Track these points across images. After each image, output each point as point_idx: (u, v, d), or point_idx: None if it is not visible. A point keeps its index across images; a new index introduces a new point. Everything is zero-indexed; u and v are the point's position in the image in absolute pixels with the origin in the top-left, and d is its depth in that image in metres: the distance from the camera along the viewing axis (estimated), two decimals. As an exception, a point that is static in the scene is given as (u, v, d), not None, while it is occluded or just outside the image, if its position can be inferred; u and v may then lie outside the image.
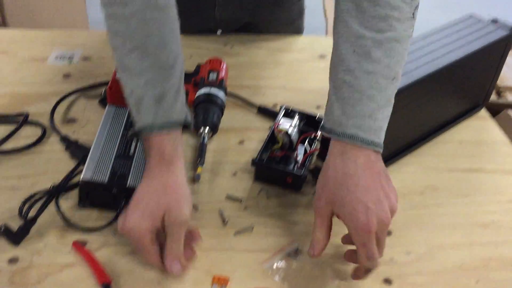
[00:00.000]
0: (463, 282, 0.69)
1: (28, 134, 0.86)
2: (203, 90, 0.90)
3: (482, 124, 0.97)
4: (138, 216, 0.64)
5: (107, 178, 0.71)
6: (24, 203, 0.71)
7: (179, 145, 0.68)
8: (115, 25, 0.66)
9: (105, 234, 0.71)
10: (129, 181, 0.72)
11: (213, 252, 0.71)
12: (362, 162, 0.62)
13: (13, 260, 0.67)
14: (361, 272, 0.65)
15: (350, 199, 0.61)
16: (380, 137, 0.65)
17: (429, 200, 0.81)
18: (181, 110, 0.69)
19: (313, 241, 0.65)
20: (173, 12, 0.69)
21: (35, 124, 0.87)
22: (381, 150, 0.65)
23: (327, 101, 0.68)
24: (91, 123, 0.88)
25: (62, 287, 0.65)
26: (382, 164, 0.65)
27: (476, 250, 0.74)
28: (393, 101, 0.66)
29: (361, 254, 0.62)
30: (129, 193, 0.71)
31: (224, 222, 0.75)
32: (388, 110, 0.66)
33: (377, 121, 0.64)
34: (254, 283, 0.67)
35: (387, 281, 0.69)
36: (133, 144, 0.78)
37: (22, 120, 0.86)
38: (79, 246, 0.69)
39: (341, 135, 0.63)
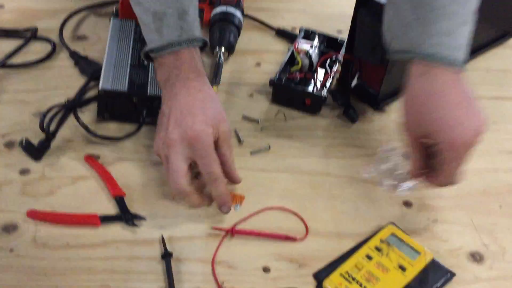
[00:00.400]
0: (486, 207, 0.67)
1: (37, 50, 0.83)
2: (219, 9, 0.86)
3: (511, 52, 0.92)
4: (202, 121, 0.59)
5: (126, 87, 0.69)
6: (43, 116, 0.67)
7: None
8: None
9: (119, 149, 0.70)
10: (149, 90, 0.69)
11: (229, 170, 0.69)
12: (447, 80, 0.58)
13: (24, 171, 0.66)
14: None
15: (439, 116, 0.57)
16: (463, 55, 0.59)
17: (453, 126, 0.78)
18: (200, 27, 0.65)
19: (411, 164, 0.62)
20: None
21: (44, 39, 0.84)
22: (464, 69, 0.60)
23: (393, 23, 0.62)
24: (102, 41, 0.85)
25: (75, 199, 0.63)
26: (467, 84, 0.60)
27: (500, 176, 0.71)
28: (474, 17, 0.60)
29: (446, 172, 0.58)
30: (150, 102, 0.68)
31: (240, 141, 0.73)
32: (470, 26, 0.60)
33: (459, 38, 0.59)
34: (269, 203, 0.65)
35: (407, 203, 0.67)
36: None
37: (30, 34, 0.83)
38: (91, 159, 0.67)
39: (422, 55, 0.58)
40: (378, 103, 0.78)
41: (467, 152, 0.58)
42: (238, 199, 0.65)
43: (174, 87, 0.62)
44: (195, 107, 0.60)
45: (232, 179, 0.64)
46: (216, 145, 0.61)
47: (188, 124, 0.59)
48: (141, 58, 0.73)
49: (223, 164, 0.61)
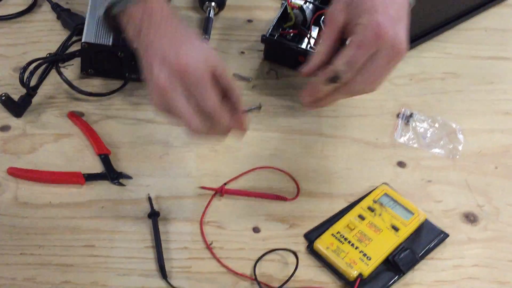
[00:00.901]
0: (481, 167, 0.66)
1: (17, 2, 0.79)
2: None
3: (509, 11, 0.89)
4: (187, 50, 0.51)
5: (111, 41, 0.65)
6: (23, 70, 0.64)
7: None
8: None
9: (104, 106, 0.67)
10: None
11: (218, 129, 0.66)
12: None
13: (4, 128, 0.63)
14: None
15: (372, 4, 0.52)
16: None
17: (449, 86, 0.75)
18: None
19: (312, 55, 0.55)
20: None
21: (25, -9, 0.80)
22: None
23: None
24: (86, -6, 0.81)
25: (58, 157, 0.61)
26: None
27: (496, 136, 0.69)
28: None
29: (367, 71, 0.52)
30: (136, 57, 0.65)
31: (230, 99, 0.70)
32: None
33: None
34: (260, 163, 0.63)
35: (401, 164, 0.65)
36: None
37: (10, -15, 0.79)
38: (75, 116, 0.65)
39: None
40: (373, 61, 0.76)
41: (387, 45, 0.52)
42: None
43: (148, 35, 0.54)
44: (176, 42, 0.53)
45: (237, 122, 0.54)
46: (214, 80, 0.52)
47: (172, 58, 0.51)
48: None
49: (229, 99, 0.53)
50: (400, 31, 0.52)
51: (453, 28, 0.84)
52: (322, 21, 0.77)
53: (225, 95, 0.53)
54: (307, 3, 0.76)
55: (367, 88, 0.54)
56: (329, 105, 0.58)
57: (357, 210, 0.58)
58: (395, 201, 0.59)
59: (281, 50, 0.74)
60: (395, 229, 0.57)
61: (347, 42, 0.53)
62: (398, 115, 0.70)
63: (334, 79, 0.52)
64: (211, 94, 0.50)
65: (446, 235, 0.58)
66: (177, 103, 0.51)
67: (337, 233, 0.56)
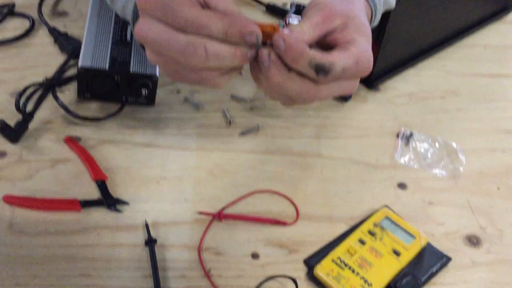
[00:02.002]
0: (483, 188, 0.65)
1: (15, 26, 0.79)
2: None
3: (509, 28, 0.89)
4: None
5: (107, 65, 0.65)
6: (19, 96, 0.64)
7: None
8: None
9: (101, 130, 0.66)
10: (132, 67, 0.65)
11: (217, 152, 0.66)
12: (362, 5, 0.55)
13: (0, 154, 0.63)
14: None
15: (360, 22, 0.51)
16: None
17: (449, 105, 0.75)
18: None
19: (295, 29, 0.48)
20: None
21: (22, 15, 0.80)
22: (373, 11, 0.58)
23: None
24: (83, 17, 0.80)
25: (54, 183, 0.60)
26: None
27: (498, 156, 0.69)
28: None
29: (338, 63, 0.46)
30: (133, 81, 0.65)
31: (228, 122, 0.69)
32: None
33: None
34: (258, 185, 0.63)
35: (402, 185, 0.64)
36: (129, 29, 0.71)
37: (7, 10, 0.79)
38: (72, 141, 0.64)
39: None
40: (372, 81, 0.75)
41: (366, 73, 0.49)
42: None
43: None
44: None
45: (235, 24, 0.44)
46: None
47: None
48: (124, 33, 0.70)
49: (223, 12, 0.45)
50: (370, 54, 0.51)
51: (452, 45, 0.84)
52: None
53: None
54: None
55: (326, 97, 0.49)
56: (270, 92, 0.49)
57: (357, 234, 0.57)
58: (396, 224, 0.58)
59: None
60: (397, 253, 0.56)
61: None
62: (398, 135, 0.70)
63: (321, 70, 0.46)
64: (181, 7, 0.44)
65: (449, 259, 0.57)
66: (155, 35, 0.44)
67: (337, 258, 0.55)
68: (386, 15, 0.67)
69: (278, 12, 0.86)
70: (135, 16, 0.57)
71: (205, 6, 0.47)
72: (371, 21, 0.58)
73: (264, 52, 0.46)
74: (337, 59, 0.46)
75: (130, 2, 0.57)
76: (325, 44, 0.50)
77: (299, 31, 0.47)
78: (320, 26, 0.49)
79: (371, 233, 0.57)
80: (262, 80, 0.48)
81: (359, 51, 0.48)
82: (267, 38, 0.46)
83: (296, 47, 0.45)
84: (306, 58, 0.45)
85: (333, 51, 0.48)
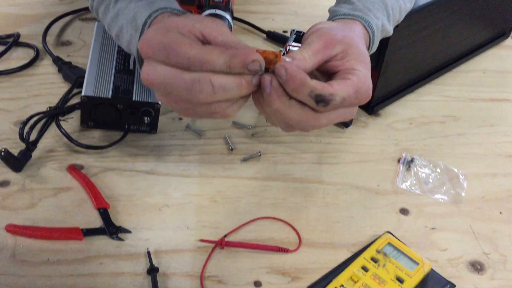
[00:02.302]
0: (486, 213, 0.64)
1: (20, 56, 0.80)
2: (208, 12, 0.83)
3: (508, 53, 0.90)
4: (152, 29, 0.48)
5: (110, 93, 0.66)
6: (23, 125, 0.65)
7: None
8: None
9: (104, 158, 0.67)
10: (135, 96, 0.66)
11: (218, 179, 0.66)
12: (362, 33, 0.56)
13: (4, 184, 0.63)
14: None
15: (359, 51, 0.52)
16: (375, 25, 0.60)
17: (450, 130, 0.75)
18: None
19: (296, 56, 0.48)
20: None
21: (27, 45, 0.81)
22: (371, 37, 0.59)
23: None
24: (87, 47, 0.82)
25: (56, 212, 0.61)
26: None
27: (499, 180, 0.69)
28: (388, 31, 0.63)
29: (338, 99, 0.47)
30: (135, 109, 0.66)
31: (230, 148, 0.70)
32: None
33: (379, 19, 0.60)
34: (261, 212, 0.63)
35: (404, 210, 0.64)
36: (132, 58, 0.72)
37: (12, 40, 0.80)
38: (74, 170, 0.65)
39: (362, 19, 0.57)
40: (372, 107, 0.76)
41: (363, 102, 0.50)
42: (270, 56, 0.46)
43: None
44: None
45: (237, 56, 0.45)
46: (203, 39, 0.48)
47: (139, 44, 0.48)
48: (127, 62, 0.71)
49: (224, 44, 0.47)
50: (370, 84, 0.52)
51: (451, 70, 0.85)
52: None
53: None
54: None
55: (325, 124, 0.50)
56: (269, 108, 0.48)
57: (360, 261, 0.57)
58: (399, 250, 0.58)
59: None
60: (400, 280, 0.55)
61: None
62: (399, 160, 0.70)
63: (321, 100, 0.46)
64: (183, 47, 0.45)
65: (453, 286, 0.56)
66: (161, 78, 0.46)
67: (340, 286, 0.55)
68: (385, 41, 0.68)
69: (279, 40, 0.87)
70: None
71: (205, 41, 0.48)
72: (369, 47, 0.59)
73: (266, 78, 0.46)
74: (337, 90, 0.47)
75: (134, 39, 0.58)
76: (324, 70, 0.51)
77: (300, 59, 0.48)
78: (321, 53, 0.50)
79: (374, 260, 0.57)
80: (264, 105, 0.49)
81: (359, 80, 0.49)
82: (269, 65, 0.46)
83: (298, 78, 0.45)
84: (307, 88, 0.46)
85: (333, 81, 0.49)
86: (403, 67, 0.76)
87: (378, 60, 0.71)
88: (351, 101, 0.48)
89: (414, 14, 0.68)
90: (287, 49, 0.77)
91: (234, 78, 0.45)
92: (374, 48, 0.61)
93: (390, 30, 0.63)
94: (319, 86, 0.46)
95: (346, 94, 0.48)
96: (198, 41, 0.47)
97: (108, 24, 0.63)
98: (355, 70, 0.50)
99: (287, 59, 0.47)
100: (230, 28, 0.82)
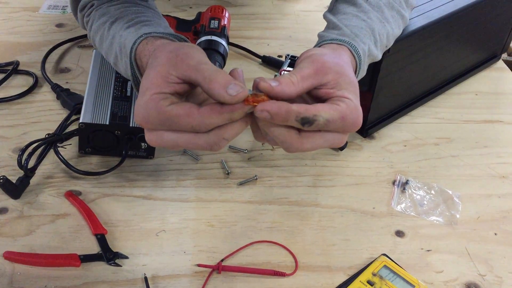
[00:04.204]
0: (481, 234, 0.65)
1: (19, 84, 0.81)
2: (204, 38, 0.85)
3: (499, 75, 0.92)
4: (144, 91, 0.50)
5: (108, 120, 0.67)
6: (22, 152, 0.65)
7: None
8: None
9: (101, 184, 0.67)
10: (132, 122, 0.67)
11: (215, 203, 0.67)
12: (349, 59, 0.58)
13: (2, 211, 0.63)
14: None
15: (343, 68, 0.53)
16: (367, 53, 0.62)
17: (443, 151, 0.76)
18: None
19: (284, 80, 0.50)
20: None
21: (26, 73, 0.83)
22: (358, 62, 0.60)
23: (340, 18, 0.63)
24: (85, 73, 0.83)
25: (54, 238, 0.61)
26: None
27: (494, 201, 0.69)
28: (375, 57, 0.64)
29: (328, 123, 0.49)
30: (133, 135, 0.67)
31: (226, 172, 0.71)
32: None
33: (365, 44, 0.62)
34: (257, 236, 0.63)
35: (400, 233, 0.65)
36: (129, 84, 0.73)
37: (12, 68, 0.82)
38: (72, 196, 0.65)
39: (349, 44, 0.59)
40: (366, 129, 0.77)
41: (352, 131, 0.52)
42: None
43: (146, 65, 0.54)
44: (150, 72, 0.51)
45: (225, 115, 0.48)
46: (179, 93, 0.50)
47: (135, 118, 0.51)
48: (124, 89, 0.72)
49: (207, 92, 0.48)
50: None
51: (444, 93, 0.86)
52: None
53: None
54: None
55: (309, 149, 0.51)
56: (257, 135, 0.52)
57: (356, 284, 0.57)
58: (395, 273, 0.58)
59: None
60: (396, 303, 0.55)
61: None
62: (394, 183, 0.71)
63: (306, 122, 0.48)
64: (181, 119, 0.48)
65: (449, 308, 0.57)
66: (173, 144, 0.50)
67: (337, 309, 0.55)
68: (377, 65, 0.69)
69: (274, 64, 0.89)
70: (136, 80, 0.60)
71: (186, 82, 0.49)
72: (356, 72, 0.60)
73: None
74: (320, 111, 0.49)
75: (128, 66, 0.59)
76: (316, 96, 0.52)
77: (286, 83, 0.49)
78: (311, 78, 0.51)
79: (370, 283, 0.57)
80: (251, 124, 0.51)
81: (347, 108, 0.50)
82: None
83: (282, 111, 0.47)
84: (292, 116, 0.48)
85: (320, 104, 0.50)
86: (396, 90, 0.78)
87: (371, 83, 0.72)
88: (336, 125, 0.49)
89: (406, 38, 0.70)
90: (282, 73, 0.78)
91: (241, 124, 0.49)
92: (362, 73, 0.62)
93: (377, 55, 0.64)
94: (302, 109, 0.48)
95: (330, 117, 0.49)
96: (192, 107, 0.48)
97: (105, 52, 0.65)
98: (345, 98, 0.51)
99: (273, 83, 0.49)
100: (226, 54, 0.84)
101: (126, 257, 0.60)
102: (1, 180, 0.63)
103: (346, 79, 0.52)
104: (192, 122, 0.48)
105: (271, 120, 0.48)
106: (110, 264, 0.59)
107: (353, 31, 0.61)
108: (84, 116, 0.67)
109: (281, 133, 0.49)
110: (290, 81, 0.50)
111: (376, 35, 0.63)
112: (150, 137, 0.50)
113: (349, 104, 0.50)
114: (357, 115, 0.51)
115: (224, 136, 0.49)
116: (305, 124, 0.48)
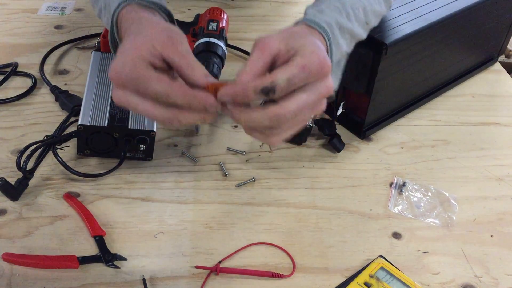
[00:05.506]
0: (477, 236, 0.65)
1: (17, 85, 0.82)
2: (202, 40, 0.85)
3: (496, 77, 0.92)
4: (120, 54, 0.51)
5: (106, 122, 0.67)
6: (21, 154, 0.66)
7: None
8: None
9: (100, 185, 0.68)
10: (130, 124, 0.68)
11: (213, 205, 0.67)
12: (319, 41, 0.56)
13: (0, 212, 0.64)
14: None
15: (310, 41, 0.52)
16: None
17: (440, 154, 0.77)
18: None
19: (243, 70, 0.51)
20: None
21: (25, 74, 0.83)
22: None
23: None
24: (84, 75, 0.84)
25: (53, 240, 0.61)
26: None
27: (490, 204, 0.70)
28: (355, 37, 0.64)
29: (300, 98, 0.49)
30: (131, 137, 0.67)
31: (224, 174, 0.71)
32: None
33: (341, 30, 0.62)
34: (255, 237, 0.63)
35: (397, 235, 0.65)
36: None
37: (10, 69, 0.82)
38: (71, 198, 0.65)
39: (320, 27, 0.59)
40: (364, 131, 0.77)
41: (324, 81, 0.51)
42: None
43: (129, 30, 0.56)
44: (128, 39, 0.53)
45: (197, 97, 0.49)
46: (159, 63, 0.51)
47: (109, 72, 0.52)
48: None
49: (180, 74, 0.51)
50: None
51: (441, 95, 0.87)
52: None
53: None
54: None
55: (291, 119, 0.50)
56: (239, 122, 0.51)
57: (353, 286, 0.58)
58: (391, 275, 0.59)
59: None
60: (393, 305, 0.56)
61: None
62: (391, 185, 0.71)
63: (268, 91, 0.48)
64: (151, 82, 0.49)
65: (445, 309, 0.57)
66: (133, 105, 0.51)
67: (334, 311, 0.55)
68: (374, 67, 0.70)
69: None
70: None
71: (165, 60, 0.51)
72: (326, 44, 0.59)
73: (222, 107, 0.50)
74: (277, 74, 0.48)
75: (109, 26, 0.61)
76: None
77: (242, 72, 0.50)
78: (260, 58, 0.50)
79: (367, 284, 0.58)
80: (237, 121, 0.51)
81: (304, 57, 0.49)
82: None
83: (239, 90, 0.49)
84: (251, 91, 0.48)
85: (274, 70, 0.50)
86: (393, 93, 0.78)
87: (368, 85, 0.73)
88: (301, 77, 0.49)
89: (403, 41, 0.70)
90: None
91: (198, 114, 0.51)
92: (343, 44, 0.61)
93: (353, 29, 0.63)
94: (258, 81, 0.48)
95: (289, 74, 0.48)
96: (165, 77, 0.50)
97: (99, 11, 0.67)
98: (298, 51, 0.50)
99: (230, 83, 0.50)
100: (224, 56, 0.84)
101: (125, 259, 0.60)
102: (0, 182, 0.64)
103: (296, 36, 0.52)
104: (159, 88, 0.49)
105: (236, 101, 0.49)
106: (108, 266, 0.59)
107: (319, 10, 0.61)
108: (83, 118, 0.67)
109: (261, 112, 0.49)
110: (244, 70, 0.50)
111: (348, 9, 0.62)
112: (116, 93, 0.52)
113: (303, 54, 0.50)
114: (318, 58, 0.50)
115: (179, 117, 0.50)
116: (269, 93, 0.48)
